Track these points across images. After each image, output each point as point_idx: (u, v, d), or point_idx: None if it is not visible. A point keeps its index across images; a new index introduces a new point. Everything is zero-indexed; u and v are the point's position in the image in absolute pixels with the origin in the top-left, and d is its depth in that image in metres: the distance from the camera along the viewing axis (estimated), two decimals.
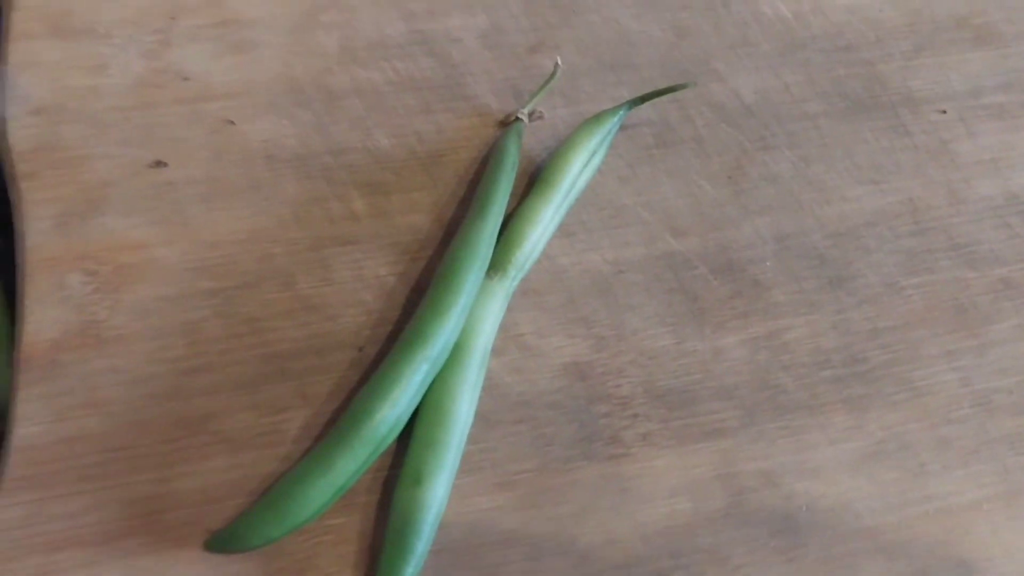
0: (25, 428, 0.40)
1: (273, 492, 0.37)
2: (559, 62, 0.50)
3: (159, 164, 0.48)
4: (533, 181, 0.48)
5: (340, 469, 0.37)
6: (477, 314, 0.42)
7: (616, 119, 0.49)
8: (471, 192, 0.48)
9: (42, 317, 0.42)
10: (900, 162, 0.51)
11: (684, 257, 0.47)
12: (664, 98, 0.51)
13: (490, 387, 0.42)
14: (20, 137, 0.47)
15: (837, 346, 0.44)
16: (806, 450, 0.41)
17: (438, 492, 0.37)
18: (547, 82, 0.50)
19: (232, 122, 0.49)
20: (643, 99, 0.50)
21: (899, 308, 0.45)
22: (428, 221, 0.47)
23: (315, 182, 0.48)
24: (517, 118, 0.50)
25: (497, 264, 0.44)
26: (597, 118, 0.49)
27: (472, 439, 0.40)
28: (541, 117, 0.51)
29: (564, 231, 0.47)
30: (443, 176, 0.49)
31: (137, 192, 0.47)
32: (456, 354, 0.40)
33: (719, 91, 0.53)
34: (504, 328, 0.43)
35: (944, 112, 0.53)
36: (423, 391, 0.39)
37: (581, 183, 0.48)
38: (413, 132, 0.50)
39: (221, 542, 0.37)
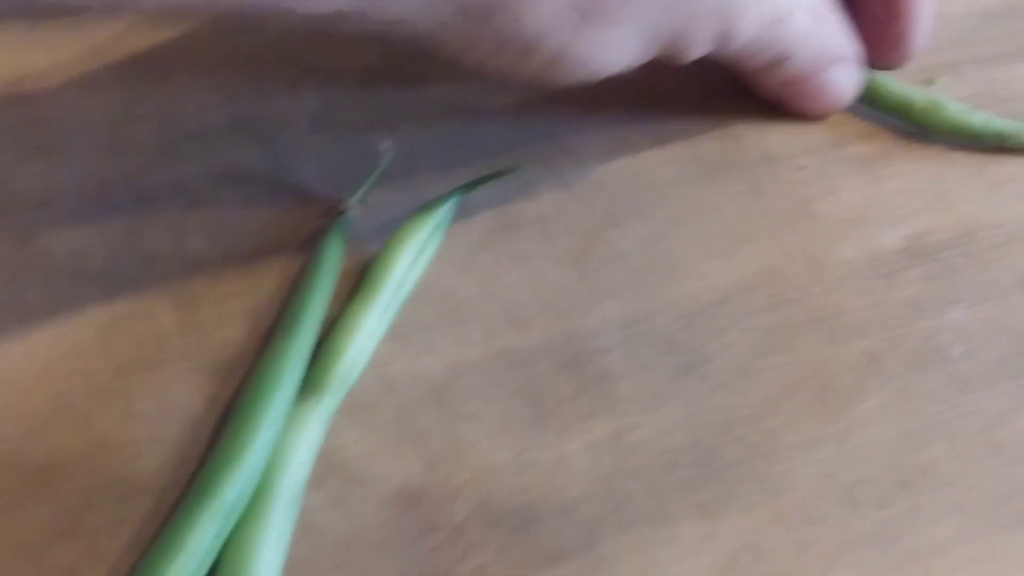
0: None
1: None
2: (389, 146, 0.46)
3: None
4: (360, 279, 0.45)
5: None
6: (287, 446, 0.38)
7: (447, 208, 0.45)
8: (292, 297, 0.44)
9: None
10: (756, 228, 0.48)
11: (527, 353, 0.43)
12: (507, 178, 0.47)
13: (306, 528, 0.38)
14: None
15: (687, 444, 0.41)
16: (654, 569, 0.38)
17: None
18: (377, 169, 0.47)
19: (33, 236, 0.45)
20: (475, 184, 0.46)
21: (755, 394, 0.42)
22: (244, 333, 0.43)
23: (122, 299, 0.44)
24: (343, 210, 0.46)
25: (314, 383, 0.40)
26: (426, 208, 0.45)
27: None
28: (372, 206, 0.47)
29: (396, 333, 0.43)
30: (263, 280, 0.45)
31: None
32: (259, 499, 0.36)
33: (566, 164, 0.50)
34: (325, 454, 0.40)
35: (803, 168, 0.50)
36: (216, 550, 0.35)
37: (412, 280, 0.44)
38: (231, 231, 0.47)
39: None
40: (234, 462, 0.36)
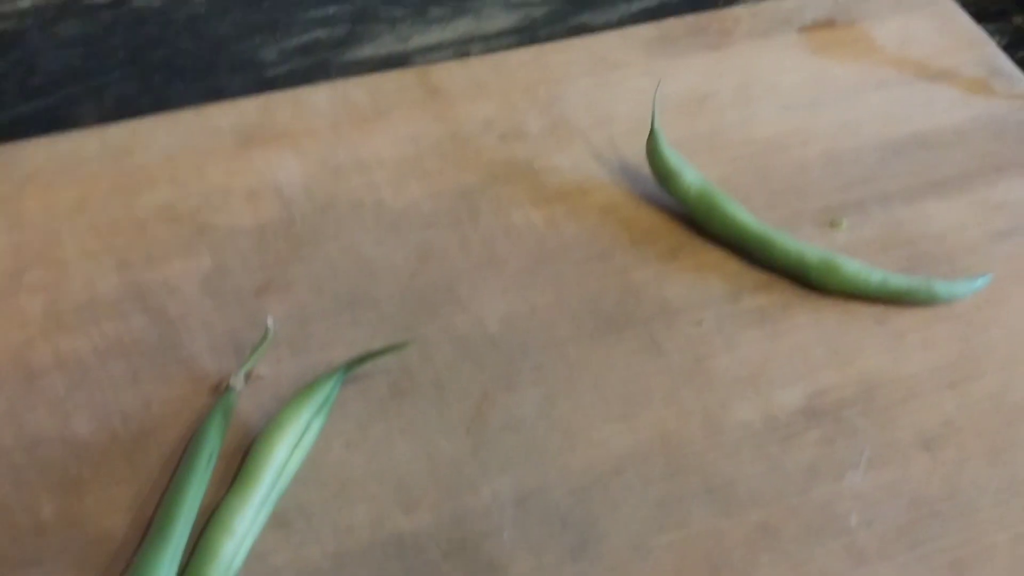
0: None
1: None
2: (270, 323, 0.46)
3: None
4: (242, 464, 0.44)
5: None
6: None
7: (331, 386, 0.44)
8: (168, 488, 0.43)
9: None
10: (652, 388, 0.47)
11: (414, 538, 0.42)
12: (403, 335, 0.47)
13: None
14: None
15: None
16: None
17: None
18: (260, 343, 0.46)
19: None
20: (359, 361, 0.46)
21: (649, 573, 0.41)
22: (126, 523, 0.42)
23: (2, 487, 0.43)
24: (229, 387, 0.45)
25: None
26: (309, 388, 0.44)
27: None
28: (260, 378, 0.46)
29: (279, 520, 0.43)
30: (146, 464, 0.44)
31: None
32: None
33: (463, 322, 0.49)
34: None
35: (700, 323, 0.50)
36: None
37: (294, 463, 0.43)
38: (117, 411, 0.46)
39: None
40: None
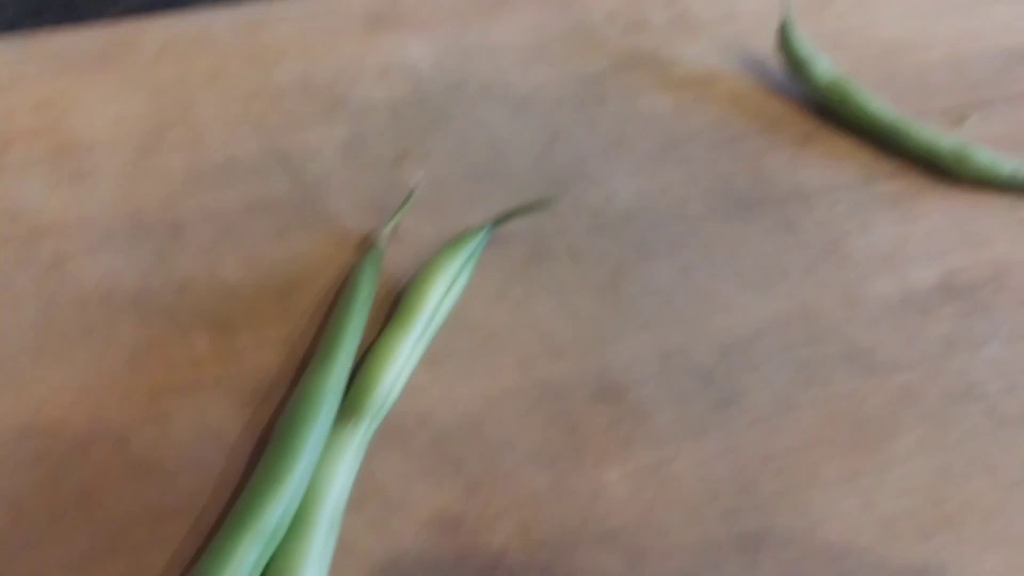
0: None
1: None
2: (420, 178, 0.46)
3: None
4: (394, 308, 0.44)
5: None
6: (325, 471, 0.37)
7: (479, 238, 0.45)
8: (326, 325, 0.44)
9: None
10: (789, 264, 0.48)
11: (561, 383, 0.43)
12: (537, 209, 0.48)
13: (344, 551, 0.37)
14: None
15: (728, 474, 0.40)
16: None
17: None
18: (407, 200, 0.47)
19: (65, 261, 0.45)
20: (506, 217, 0.46)
21: (794, 427, 0.42)
22: (280, 360, 0.43)
23: (156, 323, 0.44)
24: (375, 241, 0.46)
25: (350, 409, 0.39)
26: (459, 239, 0.45)
27: None
28: (403, 236, 0.47)
29: (429, 361, 0.43)
30: (297, 308, 0.45)
31: None
32: (299, 522, 0.36)
33: (595, 196, 0.50)
34: (361, 480, 0.39)
35: (835, 205, 0.50)
36: (259, 572, 0.34)
37: (445, 309, 0.44)
38: (265, 260, 0.46)
39: None
40: (276, 485, 0.35)
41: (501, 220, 0.46)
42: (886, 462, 0.41)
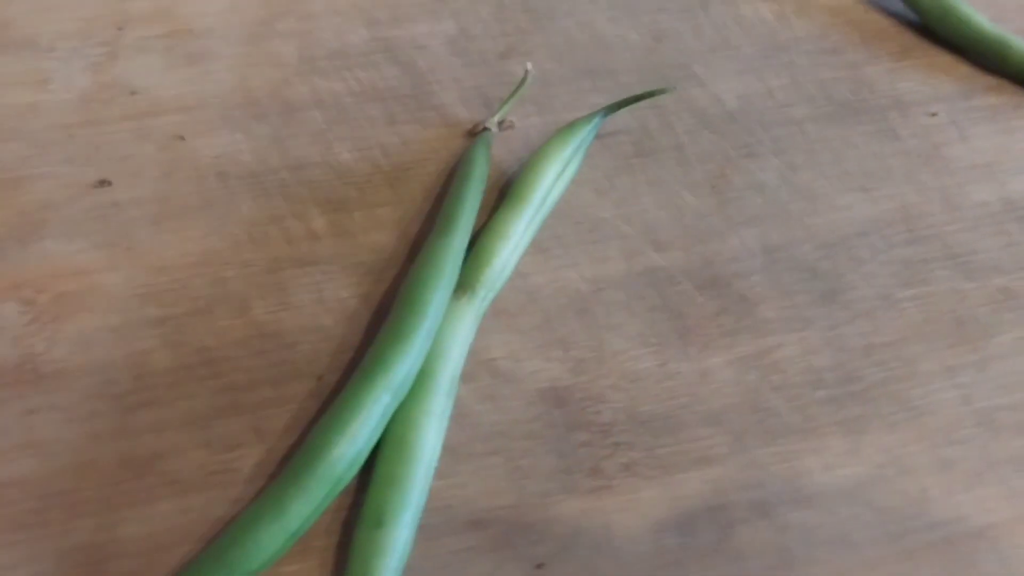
0: None
1: (221, 539, 0.34)
2: (529, 68, 0.47)
3: (103, 184, 0.44)
4: (503, 194, 0.45)
5: (294, 512, 0.33)
6: (444, 337, 0.39)
7: (591, 127, 0.46)
8: (438, 207, 0.45)
9: None
10: (891, 167, 0.48)
11: (667, 272, 0.44)
12: (643, 105, 0.48)
13: (459, 417, 0.39)
14: None
15: (830, 364, 0.41)
16: (800, 477, 0.38)
17: (402, 534, 0.34)
18: (517, 89, 0.47)
19: (182, 138, 0.46)
20: (619, 105, 0.47)
21: (895, 322, 0.43)
22: (393, 239, 0.44)
23: (272, 200, 0.45)
24: (485, 128, 0.47)
25: (466, 283, 0.41)
26: (571, 126, 0.46)
27: (440, 474, 0.37)
28: (512, 126, 0.48)
29: (537, 247, 0.44)
30: (408, 191, 0.46)
31: (80, 214, 0.44)
32: (421, 381, 0.37)
33: (700, 96, 0.51)
34: (474, 352, 0.40)
35: (935, 115, 0.50)
36: (385, 423, 0.36)
37: (554, 195, 0.45)
38: (377, 145, 0.47)
39: None
40: (403, 344, 0.36)
41: (616, 106, 0.47)
42: (986, 359, 0.42)
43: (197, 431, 0.38)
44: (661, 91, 0.47)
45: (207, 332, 0.41)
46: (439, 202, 0.45)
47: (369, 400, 0.35)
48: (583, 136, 0.46)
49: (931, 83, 0.52)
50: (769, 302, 0.43)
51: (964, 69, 0.53)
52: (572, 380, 0.40)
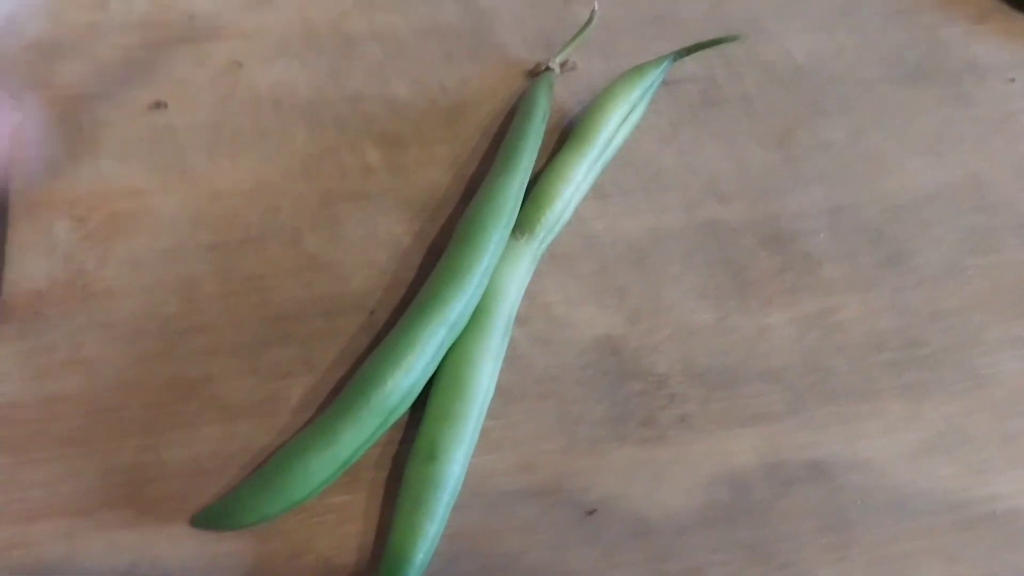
0: (2, 385, 0.36)
1: (270, 465, 0.33)
2: (596, 9, 0.46)
3: (159, 105, 0.44)
4: (565, 136, 0.44)
5: (345, 441, 0.33)
6: (501, 277, 0.38)
7: (659, 72, 0.45)
8: (495, 148, 0.44)
9: (25, 266, 0.39)
10: (963, 133, 0.47)
11: (729, 225, 0.42)
12: (710, 54, 0.47)
13: (513, 358, 0.38)
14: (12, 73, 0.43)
15: (894, 328, 0.40)
16: (859, 439, 0.37)
17: (454, 469, 0.33)
18: (582, 30, 0.46)
19: (240, 64, 0.46)
20: (688, 51, 0.45)
21: (961, 289, 0.41)
22: (448, 177, 0.43)
23: (327, 132, 0.44)
24: (548, 68, 0.45)
25: (524, 224, 0.40)
26: (638, 69, 0.45)
27: (492, 414, 0.36)
28: (574, 68, 0.47)
29: (598, 193, 0.43)
30: (465, 130, 0.45)
31: (135, 135, 0.43)
32: (477, 319, 0.36)
33: (769, 50, 0.49)
34: (530, 295, 0.39)
35: (1012, 81, 0.49)
36: (439, 358, 0.35)
37: (618, 140, 0.43)
38: (435, 82, 0.46)
39: (210, 518, 0.33)
40: (461, 279, 0.36)
41: (685, 52, 0.45)
42: None
43: (246, 358, 0.37)
44: (732, 38, 0.46)
45: (258, 261, 0.40)
46: (496, 143, 0.44)
47: (425, 334, 0.34)
48: (650, 80, 0.44)
49: (1009, 48, 0.50)
50: (833, 262, 0.42)
51: None
52: (627, 329, 0.39)
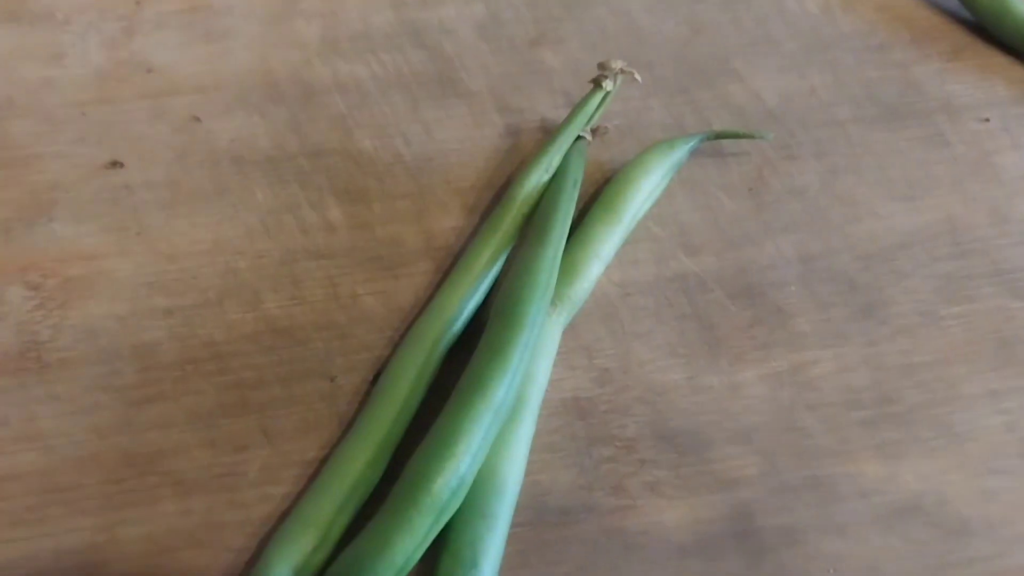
0: None
1: None
2: (622, 69, 0.44)
3: (115, 165, 0.43)
4: (590, 205, 0.43)
5: (399, 547, 0.31)
6: (535, 354, 0.37)
7: (686, 149, 0.44)
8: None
9: None
10: (937, 176, 0.46)
11: (698, 279, 0.42)
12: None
13: None
14: None
15: (868, 384, 0.39)
16: (833, 503, 0.36)
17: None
18: (608, 95, 0.45)
19: (198, 119, 0.45)
20: (718, 136, 0.45)
21: (936, 341, 0.41)
22: (413, 233, 0.42)
23: (288, 187, 0.43)
24: (580, 136, 0.44)
25: (555, 298, 0.39)
26: (668, 144, 0.44)
27: None
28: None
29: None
30: (431, 183, 0.44)
31: (90, 196, 0.42)
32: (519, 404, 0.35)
33: (738, 93, 0.48)
34: None
35: (987, 120, 0.48)
36: (488, 447, 0.34)
37: (641, 213, 0.43)
38: (399, 133, 0.45)
39: None
40: (504, 360, 0.34)
41: (713, 136, 0.46)
42: None
43: (203, 429, 0.36)
44: (762, 135, 0.45)
45: (216, 325, 0.39)
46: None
47: (470, 422, 0.33)
48: (678, 156, 0.44)
49: (984, 86, 0.50)
50: (805, 315, 0.41)
51: (1019, 71, 0.51)
52: (596, 391, 0.39)
